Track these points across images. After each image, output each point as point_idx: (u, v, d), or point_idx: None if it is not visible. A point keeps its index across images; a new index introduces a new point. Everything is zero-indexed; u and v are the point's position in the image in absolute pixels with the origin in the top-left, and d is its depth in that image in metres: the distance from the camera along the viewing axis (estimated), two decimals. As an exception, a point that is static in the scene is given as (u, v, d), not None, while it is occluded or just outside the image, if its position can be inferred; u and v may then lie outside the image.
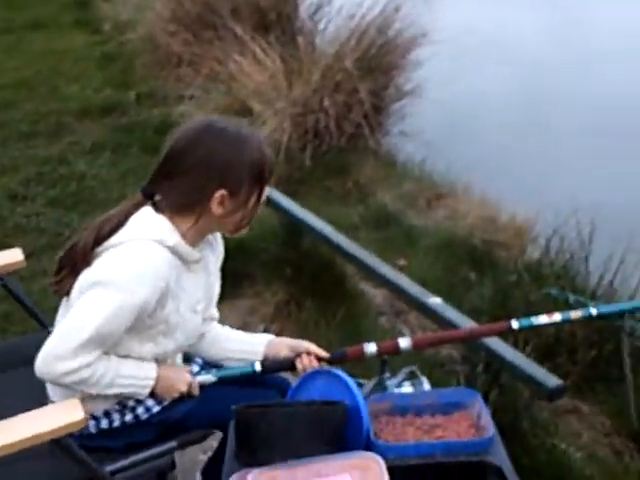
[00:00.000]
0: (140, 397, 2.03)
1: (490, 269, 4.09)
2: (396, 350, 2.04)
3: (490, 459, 1.76)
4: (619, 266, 3.67)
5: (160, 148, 1.96)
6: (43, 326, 2.48)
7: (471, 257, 4.26)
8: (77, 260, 1.92)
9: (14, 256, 2.47)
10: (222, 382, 2.09)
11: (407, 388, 2.06)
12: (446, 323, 3.29)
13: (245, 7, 6.39)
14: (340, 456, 1.68)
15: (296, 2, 6.80)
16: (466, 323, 3.24)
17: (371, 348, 2.04)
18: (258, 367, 2.06)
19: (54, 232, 3.93)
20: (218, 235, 2.14)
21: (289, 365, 2.08)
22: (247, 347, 2.18)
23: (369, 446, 1.76)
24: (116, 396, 2.02)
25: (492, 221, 4.60)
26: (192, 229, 1.95)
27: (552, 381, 2.91)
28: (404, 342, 2.04)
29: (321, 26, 6.65)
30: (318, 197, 4.56)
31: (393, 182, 5.00)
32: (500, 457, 1.79)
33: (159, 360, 2.04)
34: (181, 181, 1.92)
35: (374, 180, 4.98)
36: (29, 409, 1.88)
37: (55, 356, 1.88)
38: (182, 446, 2.09)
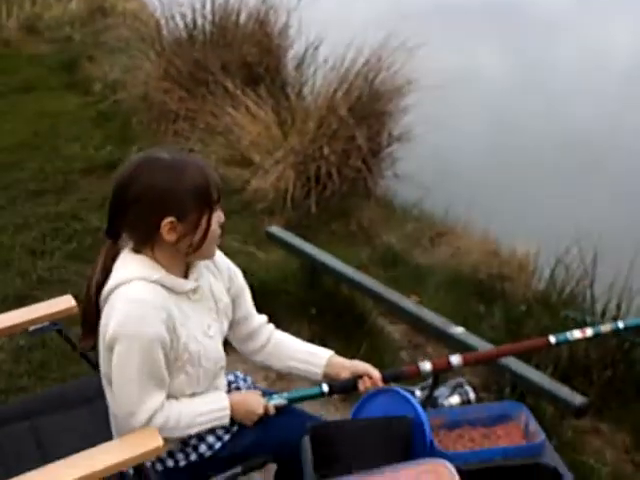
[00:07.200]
0: (223, 425, 2.13)
1: (498, 301, 4.25)
2: (448, 366, 2.17)
3: (545, 460, 1.91)
4: (623, 291, 3.85)
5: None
6: (96, 369, 2.58)
7: (479, 291, 4.41)
8: (88, 319, 2.07)
9: (67, 302, 2.59)
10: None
11: (454, 398, 2.18)
12: (469, 351, 3.43)
13: (233, 63, 6.63)
14: (411, 464, 1.81)
15: (280, 56, 7.05)
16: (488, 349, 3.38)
17: (426, 366, 2.18)
18: (326, 388, 2.19)
19: (76, 283, 4.01)
20: (220, 260, 2.21)
21: (352, 387, 2.21)
22: (311, 361, 2.28)
23: (433, 455, 1.88)
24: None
25: (495, 255, 4.77)
26: (169, 260, 2.02)
27: (578, 399, 3.06)
28: (455, 359, 2.18)
29: (306, 77, 6.90)
30: (325, 241, 4.71)
31: (395, 223, 5.17)
32: (554, 459, 1.93)
33: (195, 392, 2.12)
34: (129, 217, 2.01)
35: (376, 222, 5.15)
36: (94, 445, 1.99)
37: (126, 415, 2.01)
38: (245, 472, 2.19)
